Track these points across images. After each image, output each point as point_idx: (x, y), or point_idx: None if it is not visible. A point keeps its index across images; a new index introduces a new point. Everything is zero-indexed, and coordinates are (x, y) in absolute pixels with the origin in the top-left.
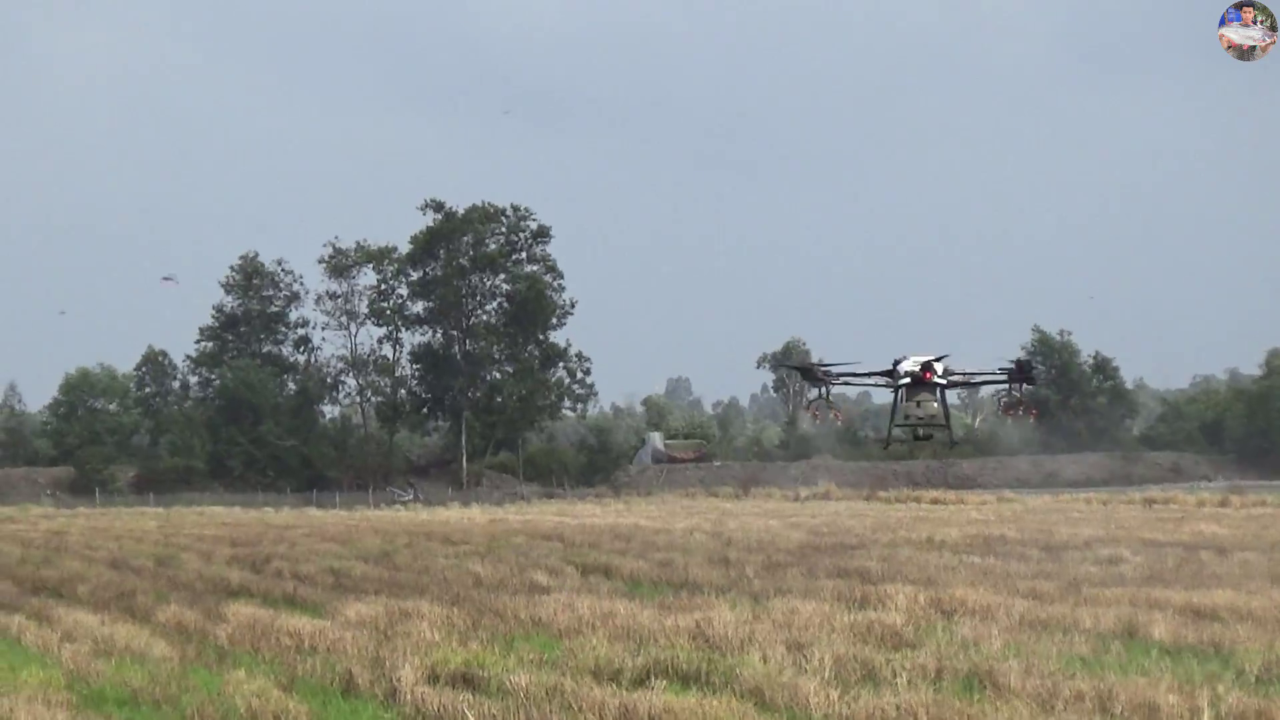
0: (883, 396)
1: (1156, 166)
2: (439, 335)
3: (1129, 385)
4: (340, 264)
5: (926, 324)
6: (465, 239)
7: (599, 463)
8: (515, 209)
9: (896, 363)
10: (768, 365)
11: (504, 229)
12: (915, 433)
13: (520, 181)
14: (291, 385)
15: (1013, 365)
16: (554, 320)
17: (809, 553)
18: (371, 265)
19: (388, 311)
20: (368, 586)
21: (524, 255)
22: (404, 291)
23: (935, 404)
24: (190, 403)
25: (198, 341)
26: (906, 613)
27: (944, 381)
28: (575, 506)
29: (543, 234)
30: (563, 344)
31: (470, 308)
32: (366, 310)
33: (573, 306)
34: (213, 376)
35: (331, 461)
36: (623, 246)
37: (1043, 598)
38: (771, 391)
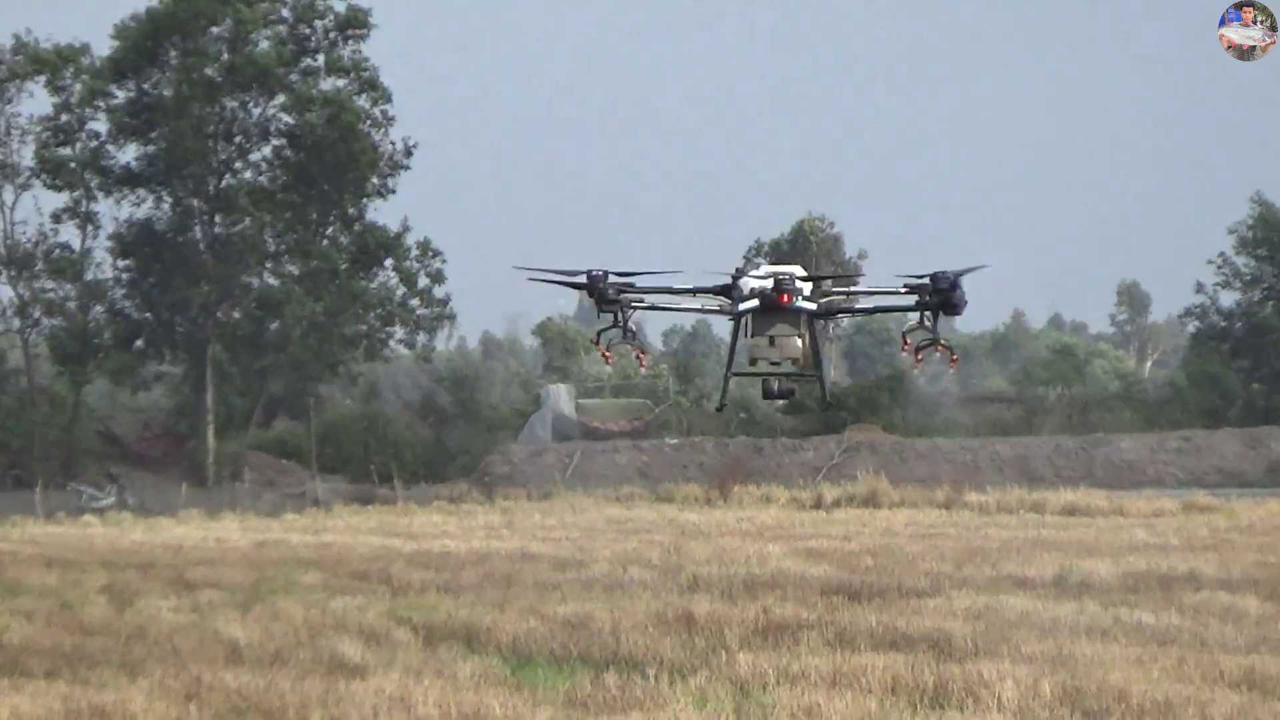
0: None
1: None
2: (165, 208)
3: None
4: None
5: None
6: (213, 32)
7: (458, 440)
8: None
9: (736, 275)
10: (763, 260)
11: (285, 17)
12: (766, 386)
13: None
14: None
15: (923, 281)
16: (374, 181)
17: (839, 603)
18: (43, 80)
19: (72, 164)
20: (33, 663)
21: (320, 61)
22: (101, 127)
23: (798, 340)
24: None
25: None
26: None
27: (812, 306)
28: (413, 518)
29: (356, 23)
30: (392, 224)
31: (224, 158)
32: (32, 162)
33: (408, 154)
34: None
35: None
36: (502, 69)
37: (1272, 688)
38: None
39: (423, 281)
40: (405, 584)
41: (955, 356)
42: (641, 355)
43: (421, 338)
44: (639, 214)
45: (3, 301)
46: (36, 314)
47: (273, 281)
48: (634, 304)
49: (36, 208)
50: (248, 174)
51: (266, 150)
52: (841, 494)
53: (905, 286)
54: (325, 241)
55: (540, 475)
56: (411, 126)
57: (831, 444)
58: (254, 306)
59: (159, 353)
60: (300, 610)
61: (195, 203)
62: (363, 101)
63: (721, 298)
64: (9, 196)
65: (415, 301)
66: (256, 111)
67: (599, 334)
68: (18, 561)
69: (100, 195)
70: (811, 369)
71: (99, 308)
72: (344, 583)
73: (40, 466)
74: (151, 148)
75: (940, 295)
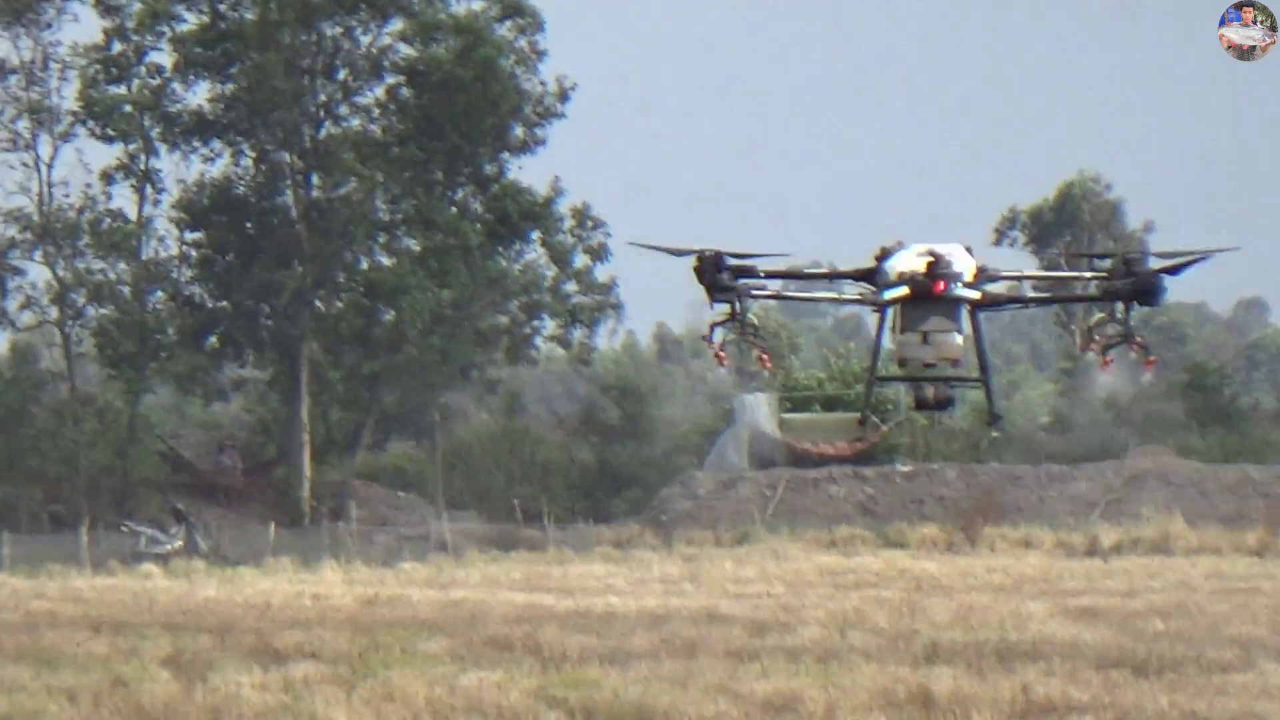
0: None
1: None
2: (246, 165)
3: None
4: None
5: None
6: None
7: (626, 466)
8: None
9: (883, 256)
10: (1021, 234)
11: None
12: (919, 394)
13: None
14: None
15: (1116, 263)
16: (519, 132)
17: (1120, 679)
18: (94, 1)
19: (127, 107)
20: None
21: None
22: (165, 59)
23: (958, 336)
24: None
25: None
26: None
27: (977, 295)
28: (569, 568)
29: None
30: (539, 185)
31: (324, 100)
32: (76, 104)
33: (564, 99)
34: None
35: None
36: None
37: None
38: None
39: (579, 260)
40: (559, 653)
41: (1153, 357)
42: (765, 357)
43: (578, 333)
44: (847, 182)
45: (37, 285)
46: (81, 301)
47: (386, 261)
48: (754, 292)
49: (81, 163)
50: (354, 121)
51: (379, 91)
52: (1123, 537)
53: (1091, 270)
54: (454, 209)
55: (733, 512)
56: (565, 63)
57: (1110, 471)
58: (362, 293)
59: (238, 353)
60: (422, 688)
61: (286, 158)
62: (505, 30)
63: (864, 284)
64: (45, 149)
65: (570, 286)
66: (366, 40)
67: (711, 327)
68: (58, 624)
69: (163, 148)
70: (973, 373)
71: (161, 294)
72: (479, 652)
73: (86, 500)
74: (229, 87)
75: (1135, 280)
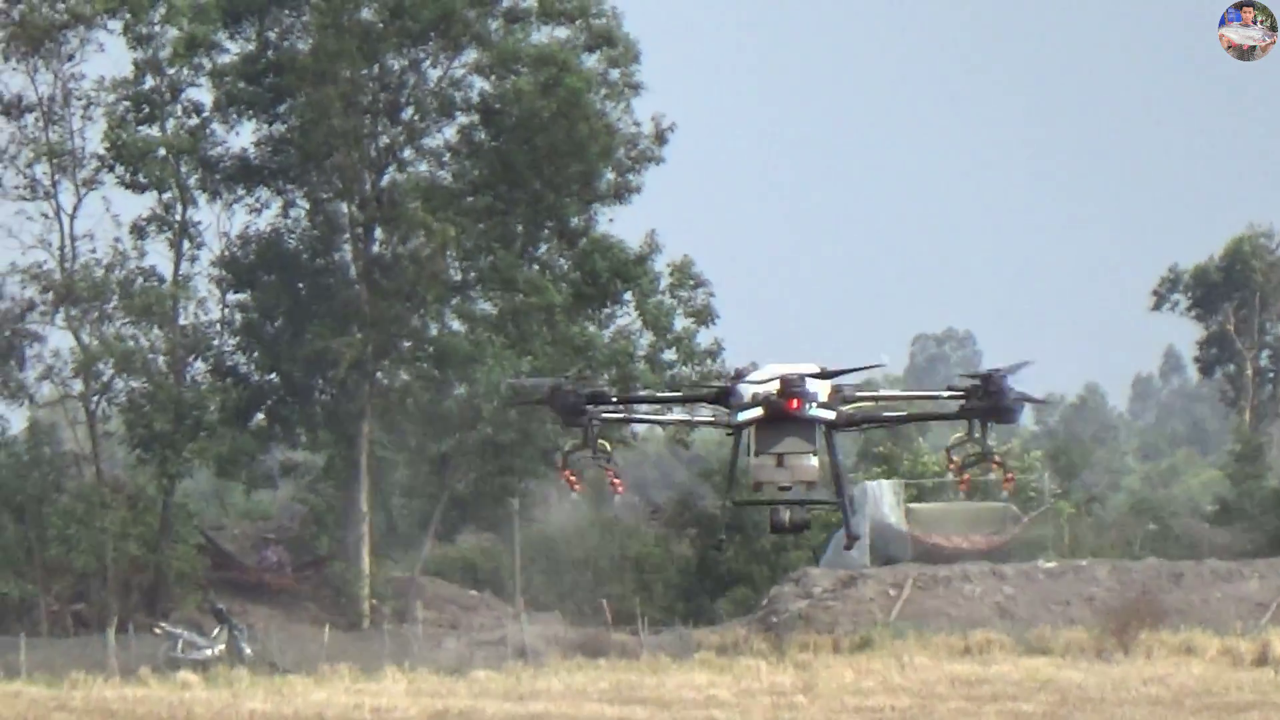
0: None
1: None
2: (298, 216)
3: None
4: (35, 26)
5: None
6: None
7: (731, 561)
8: None
9: (736, 376)
10: (1183, 297)
11: None
12: (775, 517)
13: None
14: None
15: (974, 381)
16: (611, 176)
17: None
18: (120, 23)
19: (161, 151)
20: None
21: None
22: (205, 96)
23: (813, 458)
24: None
25: None
26: None
27: (832, 415)
28: (665, 677)
29: None
30: (633, 240)
31: (387, 143)
32: (102, 147)
33: (661, 141)
34: None
35: (5, 556)
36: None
37: None
38: (1195, 370)
39: (680, 324)
40: None
41: (1010, 475)
42: (615, 481)
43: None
44: (980, 236)
45: (60, 353)
46: (108, 372)
47: (458, 326)
48: (605, 415)
49: (109, 214)
50: (422, 167)
51: (450, 132)
52: None
53: (947, 390)
54: (536, 267)
55: (853, 614)
56: (662, 100)
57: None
58: (430, 364)
59: (288, 433)
60: None
61: (344, 209)
62: (594, 62)
63: (714, 404)
64: (68, 198)
65: (670, 355)
66: (436, 75)
67: (564, 455)
68: None
69: (202, 197)
70: (828, 495)
71: (200, 364)
72: None
73: (115, 599)
74: (278, 127)
75: (990, 399)
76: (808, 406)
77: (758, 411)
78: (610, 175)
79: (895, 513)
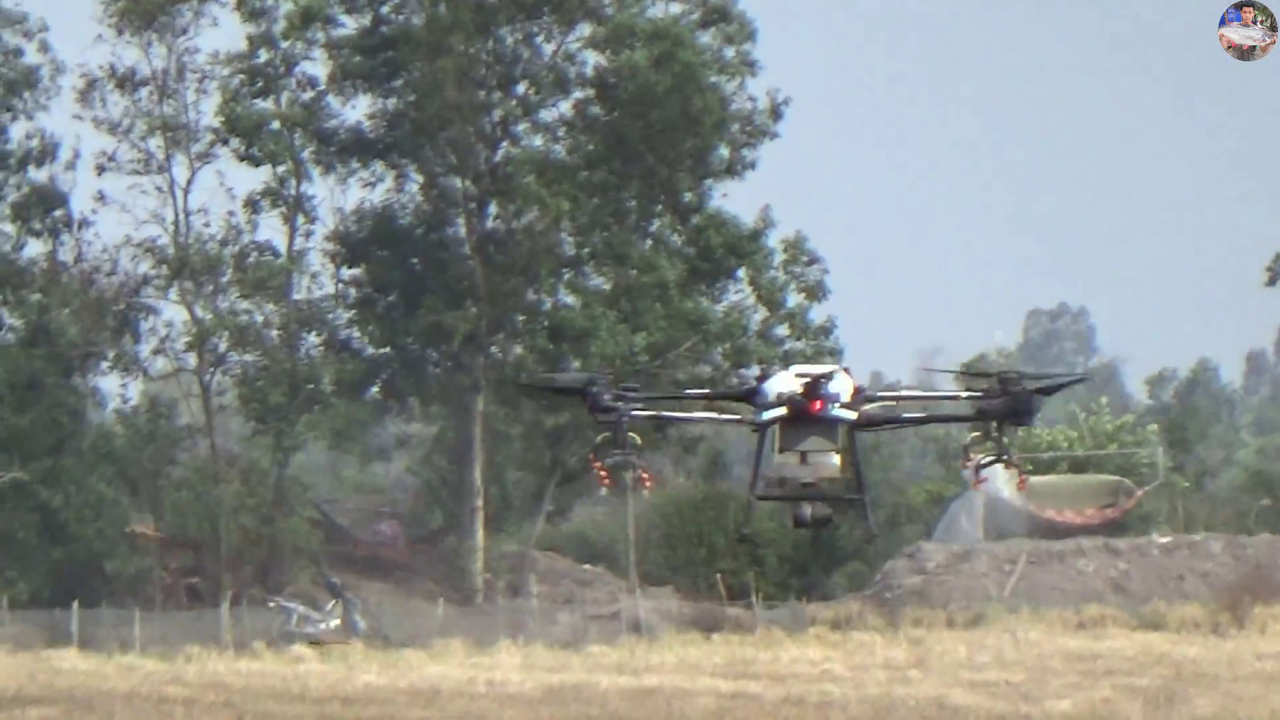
0: None
1: None
2: (412, 191)
3: None
4: (149, 1)
5: None
6: None
7: (845, 537)
8: None
9: (762, 378)
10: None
11: None
12: (798, 513)
13: None
14: (9, 320)
15: (992, 384)
16: (723, 153)
17: None
18: (236, 3)
19: (275, 125)
20: None
21: None
22: (319, 70)
23: (835, 456)
24: None
25: None
26: None
27: (853, 415)
28: (780, 652)
29: None
30: (746, 215)
31: (501, 117)
32: (216, 122)
33: (776, 116)
34: None
35: (120, 529)
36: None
37: None
38: None
39: (793, 300)
40: None
41: (1024, 476)
42: (645, 477)
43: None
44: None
45: (174, 327)
46: (223, 346)
47: (571, 301)
48: (635, 412)
49: (223, 188)
50: (536, 141)
51: (564, 107)
52: None
53: (967, 391)
54: (649, 242)
55: (967, 589)
56: (776, 76)
57: None
58: (545, 338)
59: (402, 406)
60: None
61: (457, 183)
62: (709, 38)
63: (740, 401)
64: (182, 172)
65: (783, 330)
66: (550, 49)
67: (595, 450)
68: (197, 713)
69: (316, 171)
70: (850, 490)
71: (314, 338)
72: None
73: (229, 573)
74: (392, 101)
75: (1008, 400)
76: (830, 407)
77: (782, 411)
78: (724, 150)
79: (1009, 486)
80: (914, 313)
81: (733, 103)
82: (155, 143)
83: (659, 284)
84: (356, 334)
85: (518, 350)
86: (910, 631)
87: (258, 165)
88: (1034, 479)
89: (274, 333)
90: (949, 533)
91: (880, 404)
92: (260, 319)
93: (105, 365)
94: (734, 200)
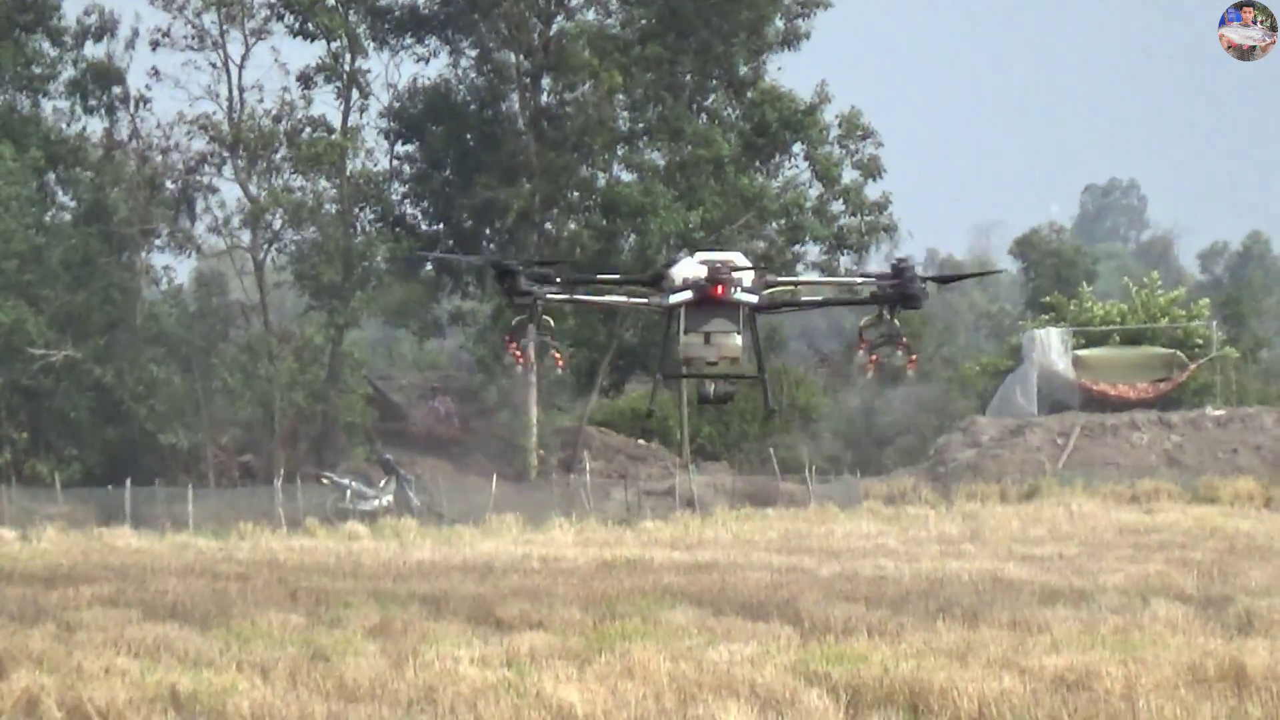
0: None
1: None
2: (466, 66)
3: None
4: None
5: None
6: None
7: (898, 410)
8: None
9: (668, 265)
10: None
11: None
12: (702, 389)
13: None
14: (62, 199)
15: (888, 269)
16: (778, 25)
17: None
18: None
19: (331, 1)
20: None
21: None
22: None
23: (737, 338)
24: None
25: None
26: None
27: (753, 298)
28: (833, 526)
29: None
30: (802, 90)
31: None
32: None
33: None
34: None
35: (174, 405)
36: None
37: None
38: None
39: (849, 176)
40: (820, 623)
41: (914, 356)
42: (558, 356)
43: (846, 259)
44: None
45: (227, 204)
46: (277, 223)
47: (626, 176)
48: (549, 296)
49: (277, 64)
50: (590, 14)
51: None
52: None
53: (860, 275)
54: (704, 117)
55: (1021, 463)
56: None
57: None
58: (599, 213)
59: (457, 282)
60: (665, 662)
61: (511, 58)
62: None
63: (646, 287)
64: (236, 48)
65: (838, 205)
66: None
67: (510, 331)
68: (251, 589)
69: (371, 47)
70: (750, 369)
71: (369, 214)
72: (729, 622)
73: (282, 449)
74: None
75: (900, 287)
76: (733, 290)
77: (688, 295)
78: (779, 22)
79: (1063, 360)
80: (970, 188)
81: None
82: (209, 18)
83: (714, 160)
84: (411, 210)
85: (572, 226)
86: (964, 506)
87: (312, 41)
88: (1087, 352)
89: (329, 209)
90: (1003, 407)
91: (780, 289)
92: (315, 195)
93: (159, 243)
94: (789, 75)
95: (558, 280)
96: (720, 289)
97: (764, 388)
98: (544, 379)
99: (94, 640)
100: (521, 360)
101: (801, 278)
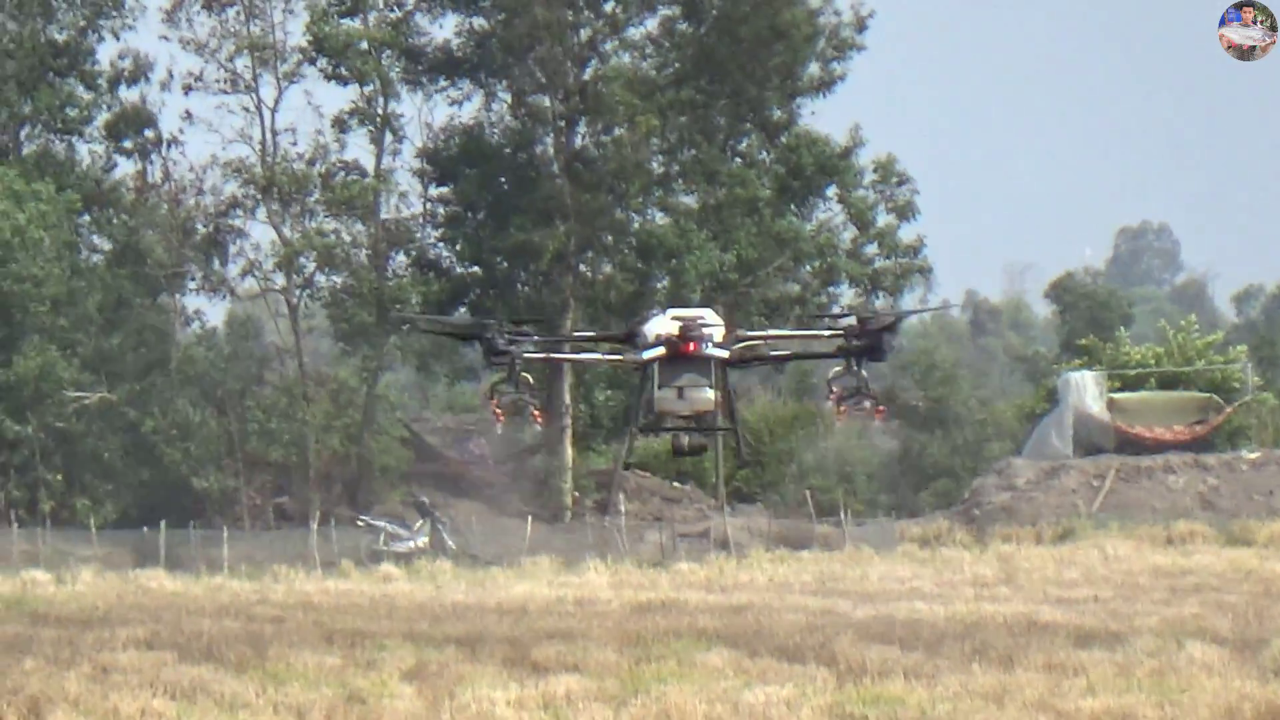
0: None
1: None
2: (500, 109)
3: None
4: None
5: None
6: None
7: (934, 454)
8: None
9: (639, 322)
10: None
11: None
12: (676, 442)
13: None
14: (96, 242)
15: (849, 322)
16: (813, 70)
17: None
18: None
19: (363, 44)
20: None
21: None
22: None
23: (709, 391)
24: None
25: None
26: None
27: (723, 353)
28: (868, 569)
29: None
30: (836, 133)
31: (589, 35)
32: (304, 40)
33: (861, 29)
34: None
35: (208, 450)
36: None
37: None
38: None
39: (883, 219)
40: (856, 666)
41: (881, 408)
42: (536, 414)
43: (880, 301)
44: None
45: (261, 247)
46: (310, 266)
47: (661, 219)
48: (527, 355)
49: (311, 107)
50: (624, 58)
51: (652, 23)
52: None
53: (827, 329)
54: (738, 160)
55: (1056, 505)
56: None
57: None
58: (633, 256)
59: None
60: (700, 705)
61: (546, 101)
62: None
63: (622, 344)
64: (269, 91)
65: (872, 249)
66: None
67: (491, 388)
68: (286, 631)
69: (404, 90)
70: (724, 421)
71: (402, 257)
72: (765, 665)
73: (317, 492)
74: (480, 20)
75: (865, 339)
76: (705, 345)
77: (661, 350)
78: (813, 66)
79: (1098, 403)
80: (1003, 230)
81: (821, 13)
82: (243, 62)
83: (748, 202)
84: (445, 253)
85: (606, 269)
86: (999, 548)
87: (345, 84)
88: (1123, 395)
89: (362, 252)
90: (1038, 449)
91: (750, 343)
92: (348, 238)
93: (192, 286)
94: (822, 118)
95: (535, 338)
96: (692, 345)
97: (736, 438)
98: (578, 421)
99: (130, 682)
100: (502, 418)
101: (770, 331)
